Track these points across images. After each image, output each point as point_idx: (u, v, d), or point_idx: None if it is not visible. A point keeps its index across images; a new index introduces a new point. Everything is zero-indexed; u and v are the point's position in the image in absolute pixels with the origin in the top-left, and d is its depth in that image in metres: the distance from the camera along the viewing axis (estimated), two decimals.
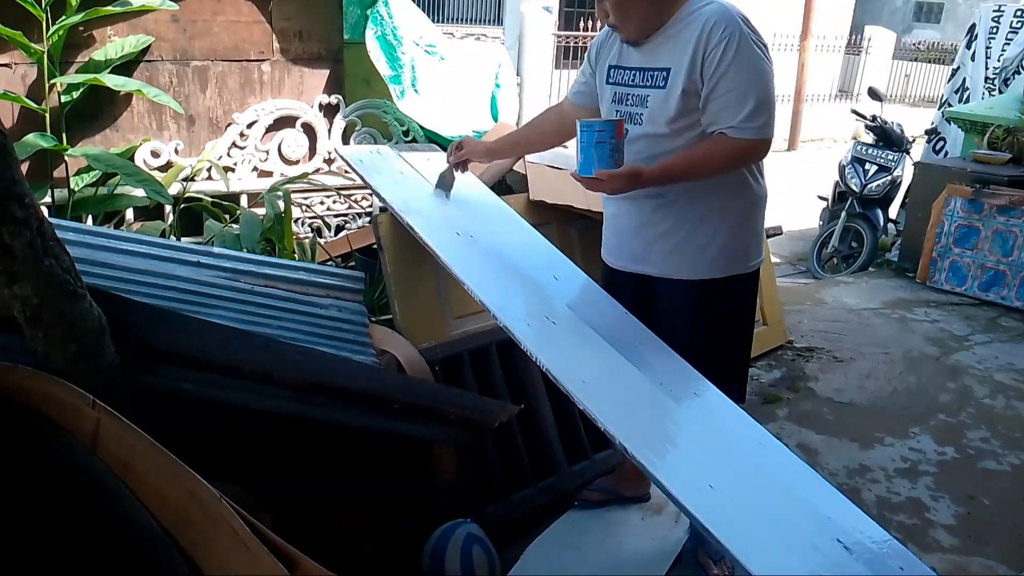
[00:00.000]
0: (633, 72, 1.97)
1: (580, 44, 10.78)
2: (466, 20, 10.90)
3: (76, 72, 3.22)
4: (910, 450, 2.90)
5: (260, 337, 1.87)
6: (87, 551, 1.22)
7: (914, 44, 17.16)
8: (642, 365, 1.89)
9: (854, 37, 14.26)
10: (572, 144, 2.26)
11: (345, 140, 3.92)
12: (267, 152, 3.74)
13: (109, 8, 3.12)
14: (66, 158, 3.20)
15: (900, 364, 3.62)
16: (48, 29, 3.01)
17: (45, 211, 1.74)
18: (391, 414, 1.81)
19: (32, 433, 1.28)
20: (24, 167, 2.98)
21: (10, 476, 1.23)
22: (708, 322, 2.05)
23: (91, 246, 1.98)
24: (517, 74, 8.26)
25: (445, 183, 2.40)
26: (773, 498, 1.63)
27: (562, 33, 11.23)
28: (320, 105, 3.84)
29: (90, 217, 3.23)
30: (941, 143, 6.26)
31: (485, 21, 11.01)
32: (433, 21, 4.83)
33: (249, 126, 3.68)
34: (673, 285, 2.03)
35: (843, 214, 5.55)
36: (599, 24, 2.01)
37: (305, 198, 3.81)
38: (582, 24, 10.83)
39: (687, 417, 1.81)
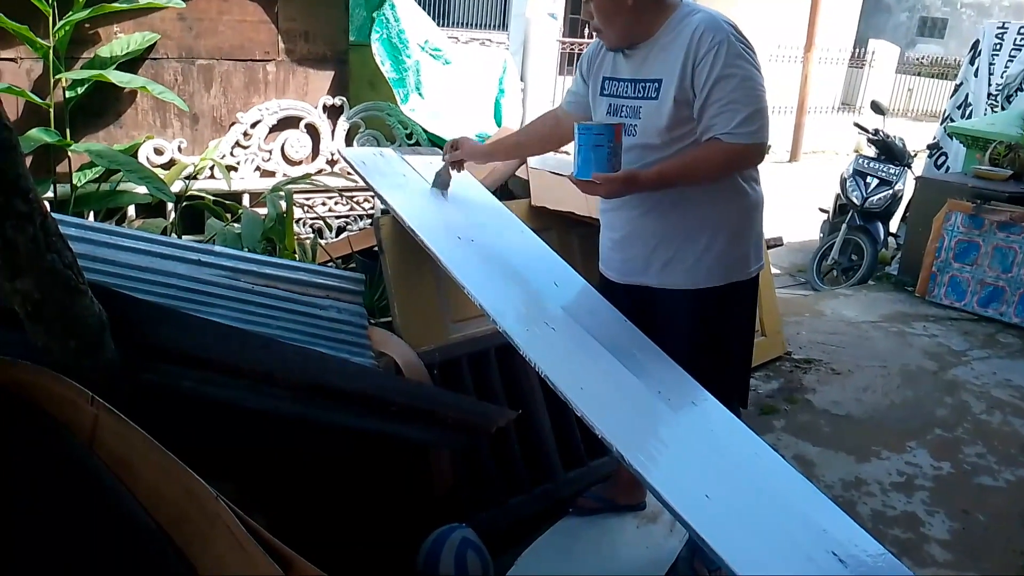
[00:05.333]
0: (626, 83, 1.97)
1: (584, 51, 10.79)
2: (471, 25, 10.92)
3: (81, 68, 3.23)
4: (906, 464, 2.90)
5: (259, 337, 1.88)
6: (82, 547, 1.22)
7: (917, 59, 17.22)
8: (640, 373, 1.89)
9: (858, 50, 14.32)
10: (571, 148, 2.26)
11: (348, 142, 3.93)
12: (270, 152, 3.74)
13: (116, 5, 3.13)
14: (69, 154, 3.20)
15: (898, 378, 3.62)
16: (54, 24, 3.02)
17: (47, 206, 1.73)
18: (388, 417, 1.81)
19: (30, 428, 1.28)
20: (27, 162, 2.97)
21: (8, 470, 1.23)
22: (709, 329, 2.05)
23: (92, 242, 1.98)
24: (521, 80, 8.28)
25: (441, 181, 2.41)
26: (769, 509, 1.64)
27: (566, 40, 11.28)
28: (324, 106, 3.84)
29: (92, 213, 3.24)
30: (943, 158, 6.27)
31: (490, 26, 11.03)
32: (438, 25, 4.84)
33: (253, 126, 3.68)
34: (672, 295, 2.03)
35: (844, 227, 5.55)
36: None
37: (307, 199, 3.81)
38: (586, 31, 10.85)
39: (684, 426, 1.81)
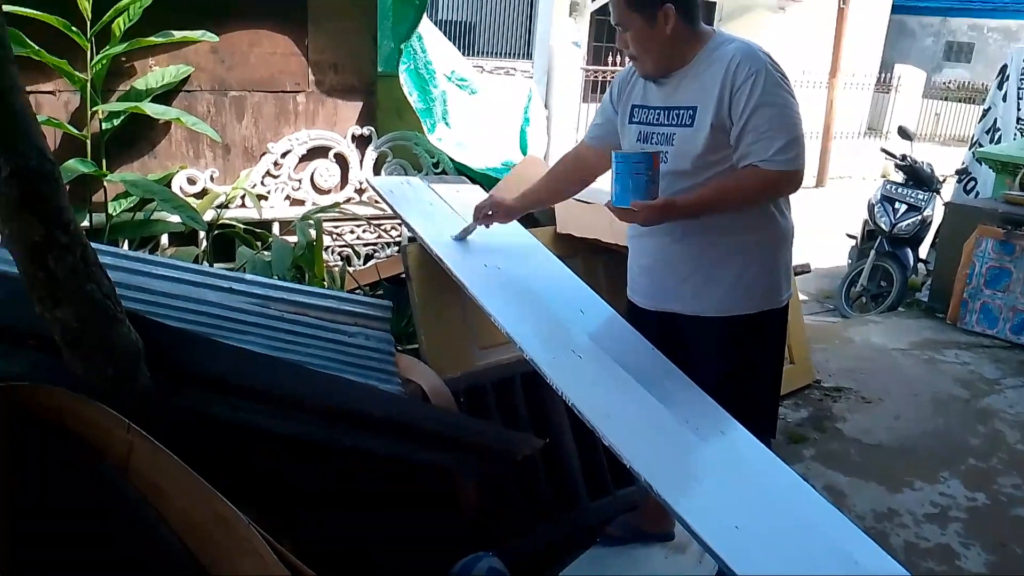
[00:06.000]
0: (658, 111, 1.99)
1: (607, 79, 10.86)
2: (496, 54, 11.04)
3: (117, 100, 3.31)
4: (940, 495, 2.84)
5: (289, 363, 1.90)
6: (115, 571, 1.24)
7: (944, 83, 17.11)
8: (668, 401, 1.88)
9: (884, 75, 14.24)
10: (599, 179, 2.25)
11: (376, 171, 3.98)
12: (300, 181, 3.80)
13: (151, 39, 3.21)
14: (105, 183, 3.27)
15: (929, 406, 3.56)
16: (92, 58, 3.10)
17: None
18: (415, 443, 1.82)
19: (66, 454, 1.30)
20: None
21: (44, 495, 1.25)
22: (738, 358, 2.04)
23: (127, 270, 2.02)
24: (545, 107, 8.34)
25: (466, 233, 2.34)
26: (799, 540, 1.61)
27: (590, 68, 11.36)
28: (353, 136, 3.90)
29: (126, 241, 3.30)
30: (972, 183, 6.20)
31: (514, 55, 11.14)
32: (464, 55, 4.91)
33: (283, 155, 3.74)
34: (702, 322, 2.02)
35: (872, 253, 5.50)
36: (626, 58, 2.04)
37: (336, 227, 3.85)
38: (610, 59, 10.94)
39: (713, 455, 1.79)
